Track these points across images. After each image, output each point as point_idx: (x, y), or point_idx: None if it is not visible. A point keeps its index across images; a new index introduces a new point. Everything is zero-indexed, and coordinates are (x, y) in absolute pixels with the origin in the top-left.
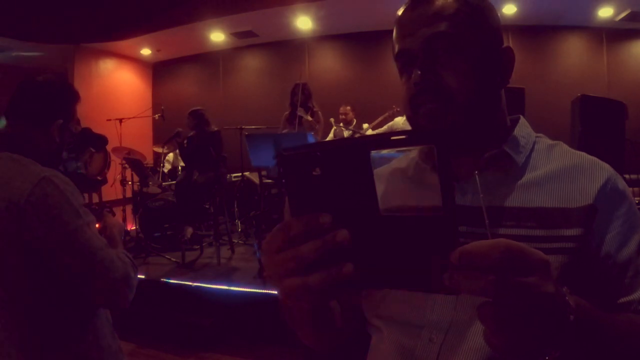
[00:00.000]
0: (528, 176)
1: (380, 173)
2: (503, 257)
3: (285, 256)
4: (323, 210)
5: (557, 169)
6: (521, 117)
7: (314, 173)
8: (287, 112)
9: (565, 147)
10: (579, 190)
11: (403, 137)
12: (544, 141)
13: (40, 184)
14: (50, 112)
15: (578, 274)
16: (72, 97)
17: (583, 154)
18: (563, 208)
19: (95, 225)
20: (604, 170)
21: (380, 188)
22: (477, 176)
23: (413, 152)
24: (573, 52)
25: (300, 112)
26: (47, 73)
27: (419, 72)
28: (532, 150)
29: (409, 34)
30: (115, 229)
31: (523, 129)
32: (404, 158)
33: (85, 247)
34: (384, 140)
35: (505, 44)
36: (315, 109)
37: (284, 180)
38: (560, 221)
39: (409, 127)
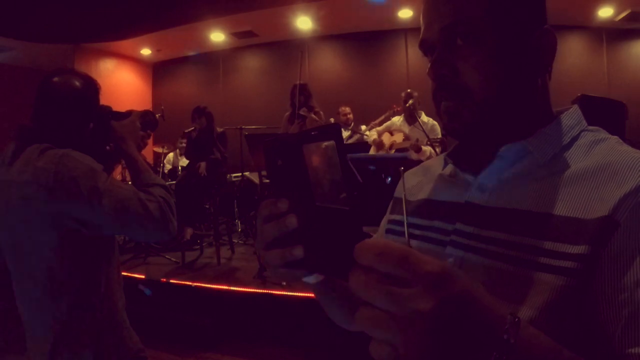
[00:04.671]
0: (552, 176)
1: (428, 165)
2: (375, 260)
3: (258, 232)
4: (284, 196)
5: (585, 169)
6: (574, 107)
7: (278, 163)
8: (287, 113)
9: (614, 143)
10: (600, 197)
11: (316, 133)
12: (591, 135)
13: (61, 161)
14: (81, 120)
15: (584, 305)
16: (96, 95)
17: (633, 151)
18: (577, 218)
19: (118, 180)
20: None
21: (421, 180)
22: (402, 173)
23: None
24: (573, 52)
25: (303, 112)
26: (67, 73)
27: (432, 68)
28: (568, 145)
29: (428, 23)
30: (125, 130)
31: (565, 121)
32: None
33: (119, 205)
34: (308, 136)
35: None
36: (316, 109)
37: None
38: (570, 234)
39: (405, 127)
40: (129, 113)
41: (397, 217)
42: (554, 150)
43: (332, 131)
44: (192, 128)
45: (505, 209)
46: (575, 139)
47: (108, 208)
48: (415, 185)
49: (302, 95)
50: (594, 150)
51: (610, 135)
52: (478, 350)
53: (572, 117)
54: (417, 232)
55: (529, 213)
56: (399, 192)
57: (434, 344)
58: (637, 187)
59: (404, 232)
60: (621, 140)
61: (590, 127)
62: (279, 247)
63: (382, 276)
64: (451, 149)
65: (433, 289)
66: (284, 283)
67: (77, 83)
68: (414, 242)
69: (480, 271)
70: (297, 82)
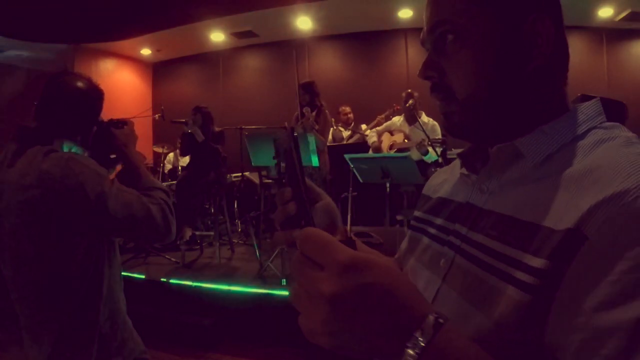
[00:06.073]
0: (542, 179)
1: (455, 163)
2: (301, 244)
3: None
4: (289, 185)
5: (574, 172)
6: (592, 101)
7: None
8: (296, 112)
9: (619, 143)
10: (576, 205)
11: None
12: (601, 134)
13: (67, 164)
14: (84, 123)
15: (539, 327)
16: (100, 100)
17: (635, 153)
18: (549, 228)
19: (121, 185)
20: (627, 179)
21: (446, 178)
22: (354, 170)
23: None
24: (573, 52)
25: (306, 110)
26: (73, 75)
27: (420, 70)
28: (569, 145)
29: (424, 25)
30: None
31: (577, 116)
32: None
33: (124, 208)
34: (292, 135)
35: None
36: (322, 108)
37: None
38: (538, 243)
39: (405, 127)
40: (126, 121)
41: (417, 213)
42: (549, 150)
43: (287, 135)
44: (183, 120)
45: (495, 213)
46: (579, 137)
47: (114, 212)
48: (439, 183)
49: (307, 93)
50: (596, 150)
51: (624, 134)
52: (386, 343)
53: (584, 113)
54: (431, 230)
55: (510, 219)
56: (426, 189)
57: (334, 326)
58: (614, 194)
59: (421, 228)
60: (633, 140)
61: (606, 124)
62: (287, 229)
63: (305, 258)
64: (465, 148)
65: (338, 276)
66: (284, 282)
67: (83, 86)
68: (425, 240)
69: (462, 274)
70: (296, 82)
